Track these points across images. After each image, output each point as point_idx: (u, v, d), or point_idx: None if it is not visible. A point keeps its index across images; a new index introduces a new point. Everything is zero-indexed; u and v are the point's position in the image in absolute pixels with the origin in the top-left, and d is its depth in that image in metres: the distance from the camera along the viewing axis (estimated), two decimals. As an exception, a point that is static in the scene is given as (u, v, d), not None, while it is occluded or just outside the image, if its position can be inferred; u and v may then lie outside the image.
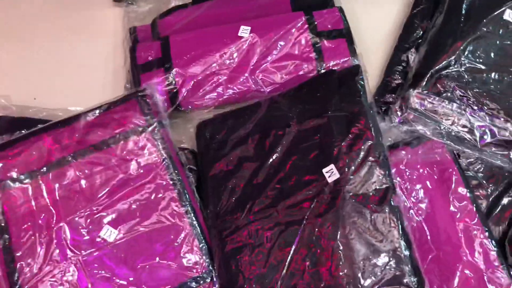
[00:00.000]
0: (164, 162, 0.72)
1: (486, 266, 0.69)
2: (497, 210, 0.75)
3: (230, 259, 0.67)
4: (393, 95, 0.81)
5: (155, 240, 0.69)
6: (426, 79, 0.77)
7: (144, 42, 0.83)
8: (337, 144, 0.66)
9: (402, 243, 0.61)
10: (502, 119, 0.74)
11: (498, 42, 0.78)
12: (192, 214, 0.71)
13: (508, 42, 0.78)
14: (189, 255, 0.69)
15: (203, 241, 0.70)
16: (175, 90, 0.78)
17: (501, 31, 0.78)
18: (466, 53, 0.77)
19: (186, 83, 0.78)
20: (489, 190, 0.76)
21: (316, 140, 0.68)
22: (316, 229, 0.63)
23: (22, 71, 0.88)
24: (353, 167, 0.64)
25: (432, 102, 0.76)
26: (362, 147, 0.65)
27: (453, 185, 0.73)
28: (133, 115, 0.73)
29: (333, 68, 0.77)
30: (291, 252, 0.63)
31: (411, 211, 0.71)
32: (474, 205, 0.72)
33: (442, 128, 0.76)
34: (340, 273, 0.59)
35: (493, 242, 0.70)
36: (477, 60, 0.77)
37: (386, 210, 0.62)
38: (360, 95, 0.70)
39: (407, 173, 0.73)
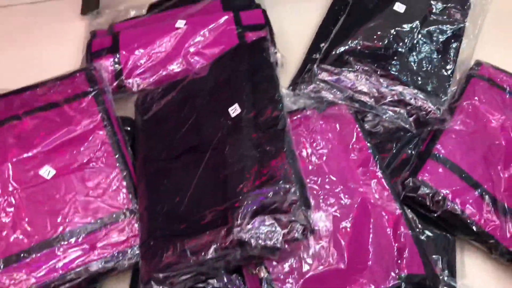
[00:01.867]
0: (103, 119, 0.83)
1: (381, 201, 0.76)
2: (396, 162, 0.84)
3: (150, 188, 0.76)
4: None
5: (86, 180, 0.78)
6: (331, 56, 0.91)
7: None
8: (241, 88, 0.78)
9: (288, 159, 0.69)
10: (393, 82, 0.87)
11: (390, 26, 0.93)
12: (122, 160, 0.80)
13: (398, 27, 0.92)
14: (115, 194, 0.78)
15: (130, 183, 0.79)
16: (119, 69, 0.91)
17: (392, 18, 0.93)
18: (364, 35, 0.92)
19: (128, 63, 0.91)
20: (389, 148, 0.86)
21: (225, 90, 0.80)
22: (219, 152, 0.73)
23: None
24: (252, 102, 0.76)
25: (335, 73, 0.89)
26: (261, 88, 0.77)
27: (353, 138, 0.83)
28: (80, 83, 0.86)
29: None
30: (198, 173, 0.73)
31: (313, 157, 0.80)
32: (372, 153, 0.81)
33: (345, 94, 0.88)
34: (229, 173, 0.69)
35: (388, 183, 0.78)
36: (373, 40, 0.91)
37: (275, 132, 0.71)
38: (266, 55, 0.82)
39: (311, 128, 0.83)
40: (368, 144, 0.82)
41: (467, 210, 0.74)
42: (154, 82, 0.92)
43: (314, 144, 0.81)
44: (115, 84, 0.91)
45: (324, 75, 0.90)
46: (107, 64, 0.92)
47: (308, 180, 0.76)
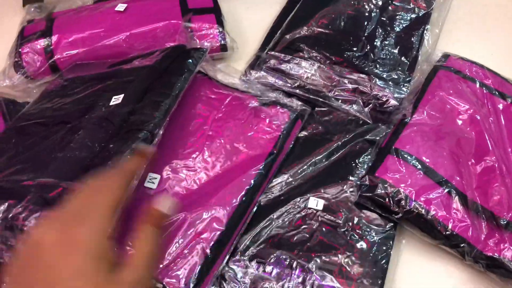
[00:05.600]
0: None
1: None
2: (338, 154, 0.66)
3: None
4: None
5: None
6: (281, 42, 0.75)
7: (36, 24, 0.82)
8: (139, 83, 0.63)
9: None
10: (348, 70, 0.71)
11: (347, 12, 0.78)
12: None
13: (355, 13, 0.78)
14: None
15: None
16: (50, 50, 0.75)
17: (350, 4, 0.79)
18: (318, 22, 0.76)
19: (61, 45, 0.75)
20: (336, 139, 0.68)
21: (127, 80, 0.65)
22: (72, 133, 0.58)
23: None
24: (136, 99, 0.60)
25: (285, 60, 0.73)
26: (155, 89, 0.61)
27: (266, 146, 0.64)
28: None
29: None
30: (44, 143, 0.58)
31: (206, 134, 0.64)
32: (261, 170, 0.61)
33: (296, 83, 0.72)
34: None
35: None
36: (328, 26, 0.76)
37: (131, 138, 0.54)
38: (188, 64, 0.65)
39: (233, 111, 0.67)
40: (266, 161, 0.62)
41: (433, 209, 0.57)
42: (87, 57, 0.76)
43: (219, 125, 0.65)
44: (46, 66, 0.75)
45: (273, 63, 0.73)
46: (38, 47, 0.75)
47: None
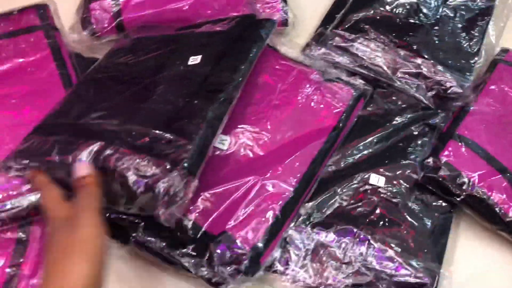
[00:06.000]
0: (53, 53, 0.71)
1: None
2: (398, 136, 0.67)
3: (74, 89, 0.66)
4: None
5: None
6: (346, 21, 0.75)
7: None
8: (215, 46, 0.64)
9: (205, 124, 0.52)
10: (411, 54, 0.71)
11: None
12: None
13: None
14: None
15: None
16: (118, 10, 0.75)
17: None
18: (384, 5, 0.77)
19: (129, 4, 0.75)
20: (395, 122, 0.68)
21: (201, 42, 0.66)
22: (152, 86, 0.59)
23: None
24: (214, 61, 0.61)
25: (349, 39, 0.73)
26: (232, 54, 0.62)
27: (329, 120, 0.64)
28: (30, 18, 0.74)
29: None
30: (122, 95, 0.60)
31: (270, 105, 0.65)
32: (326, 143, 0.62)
33: (359, 62, 0.72)
34: None
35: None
36: (394, 10, 0.76)
37: (212, 97, 0.55)
38: (262, 33, 0.65)
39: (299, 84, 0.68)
40: (331, 135, 0.63)
41: (494, 196, 0.58)
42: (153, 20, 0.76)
43: (285, 96, 0.66)
44: (113, 24, 0.75)
45: (337, 41, 0.73)
46: (107, 5, 0.75)
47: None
